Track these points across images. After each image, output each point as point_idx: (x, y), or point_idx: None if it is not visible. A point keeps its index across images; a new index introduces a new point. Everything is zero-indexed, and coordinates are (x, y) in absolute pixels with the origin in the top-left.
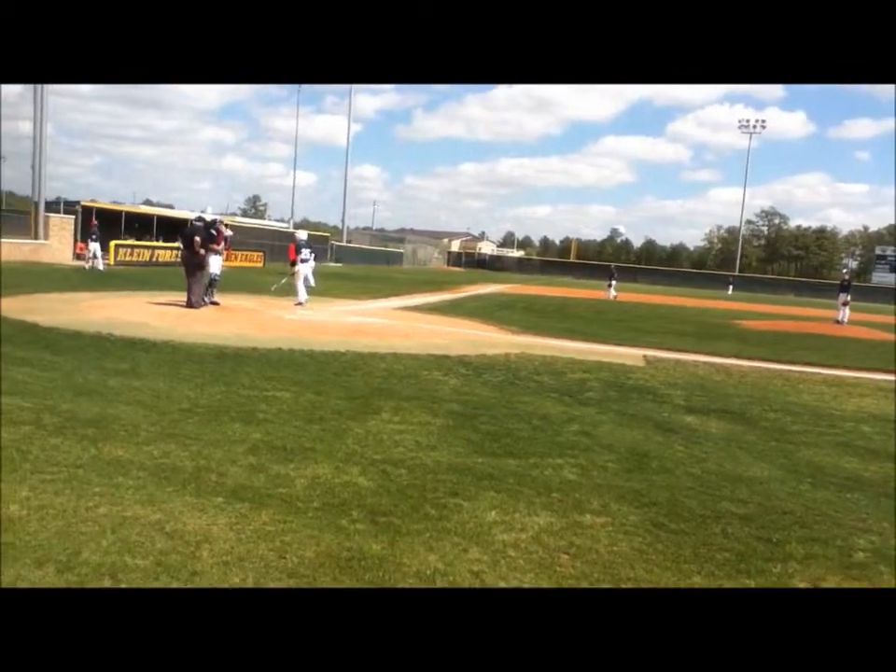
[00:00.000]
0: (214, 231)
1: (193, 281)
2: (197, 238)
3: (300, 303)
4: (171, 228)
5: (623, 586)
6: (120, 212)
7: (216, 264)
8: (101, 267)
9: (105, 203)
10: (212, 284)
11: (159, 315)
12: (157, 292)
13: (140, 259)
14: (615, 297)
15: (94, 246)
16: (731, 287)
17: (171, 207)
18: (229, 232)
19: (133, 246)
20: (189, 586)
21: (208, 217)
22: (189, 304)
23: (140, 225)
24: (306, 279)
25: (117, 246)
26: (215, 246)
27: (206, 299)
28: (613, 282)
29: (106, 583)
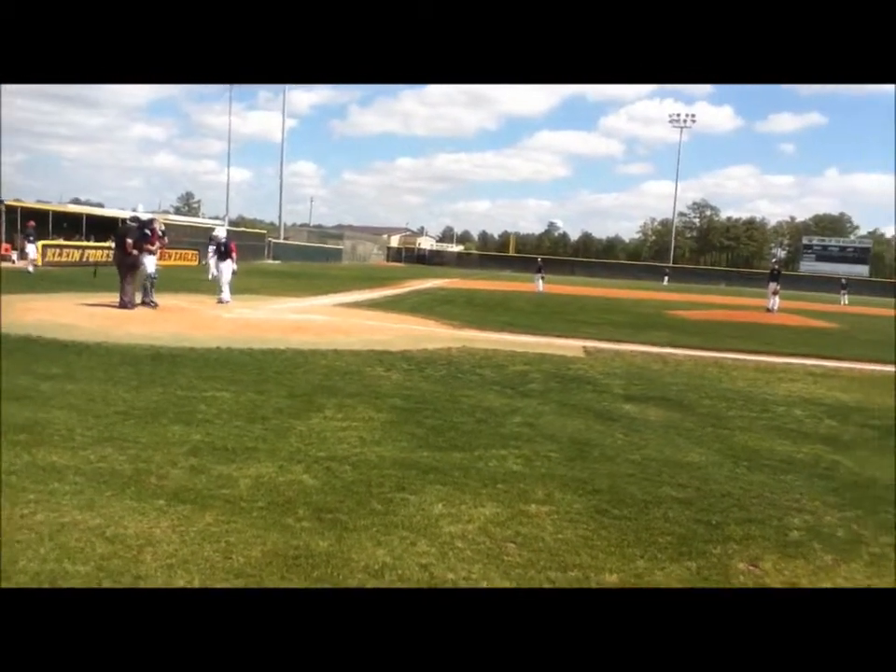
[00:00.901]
0: (148, 231)
1: (126, 282)
2: (129, 239)
3: (220, 301)
4: (101, 227)
5: (570, 573)
6: (47, 211)
7: (151, 264)
8: (31, 269)
9: (30, 203)
10: (150, 285)
11: (91, 317)
12: (88, 293)
13: (70, 260)
14: (543, 289)
15: (31, 248)
16: (666, 278)
17: (101, 206)
18: (162, 228)
19: (61, 247)
20: (134, 587)
21: (143, 217)
22: (122, 305)
23: (69, 224)
24: (224, 277)
25: (45, 247)
26: (149, 247)
27: (146, 300)
28: (541, 275)
29: None
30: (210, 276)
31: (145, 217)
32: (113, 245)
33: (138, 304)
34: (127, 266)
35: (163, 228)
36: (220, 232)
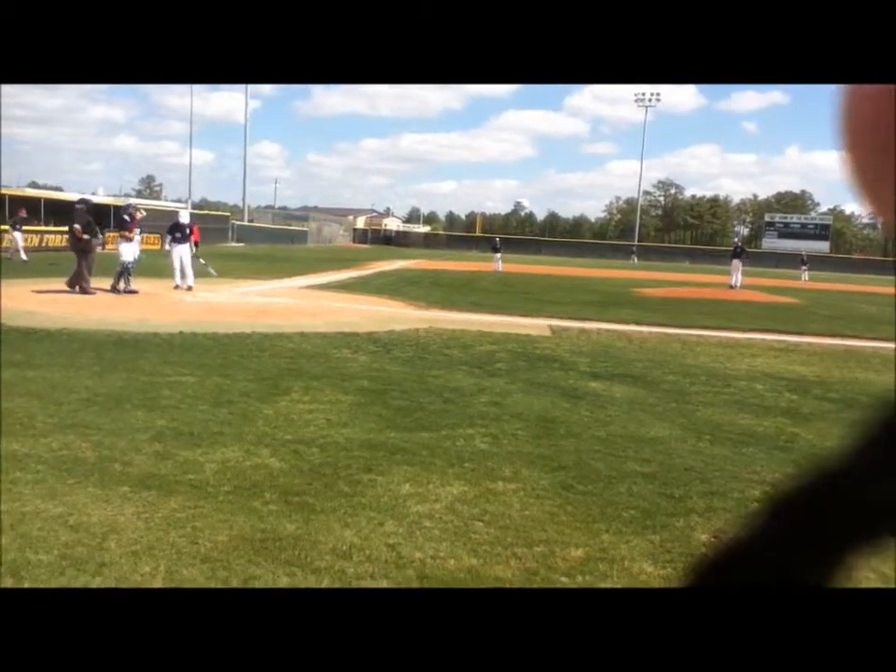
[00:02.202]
0: (127, 217)
1: (81, 267)
2: (77, 224)
3: (177, 286)
4: (61, 211)
5: (536, 549)
6: (3, 196)
7: (128, 252)
8: (24, 257)
9: None
10: (125, 272)
11: (51, 303)
12: (48, 279)
13: (28, 245)
14: (501, 268)
15: (18, 236)
16: (634, 256)
17: (59, 189)
18: (142, 213)
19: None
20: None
21: (99, 200)
22: (82, 290)
23: (27, 209)
24: (182, 262)
25: (2, 232)
26: (127, 234)
27: (121, 288)
28: (498, 254)
29: (8, 582)
30: (176, 264)
31: (121, 202)
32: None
33: (106, 291)
34: (79, 251)
35: (143, 213)
36: (184, 216)
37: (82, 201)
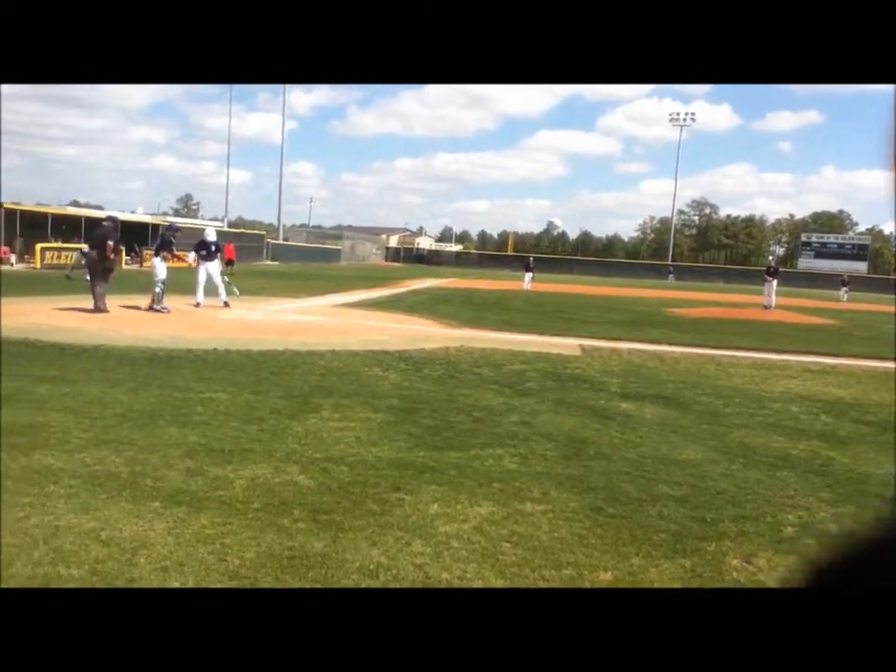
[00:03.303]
0: (173, 239)
1: (98, 286)
2: (110, 241)
3: (197, 304)
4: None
5: (565, 571)
6: (46, 214)
7: (163, 270)
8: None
9: (28, 205)
10: (158, 289)
11: (88, 319)
12: (86, 295)
13: (67, 262)
14: (530, 287)
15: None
16: (671, 276)
17: (100, 208)
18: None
19: (59, 249)
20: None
21: (132, 217)
22: (96, 309)
23: (67, 227)
24: (210, 279)
25: (43, 250)
26: (181, 255)
27: (156, 306)
28: (529, 273)
29: None
30: (201, 280)
31: (160, 220)
32: (87, 247)
33: (146, 310)
34: (104, 270)
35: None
36: (210, 234)
37: (109, 218)
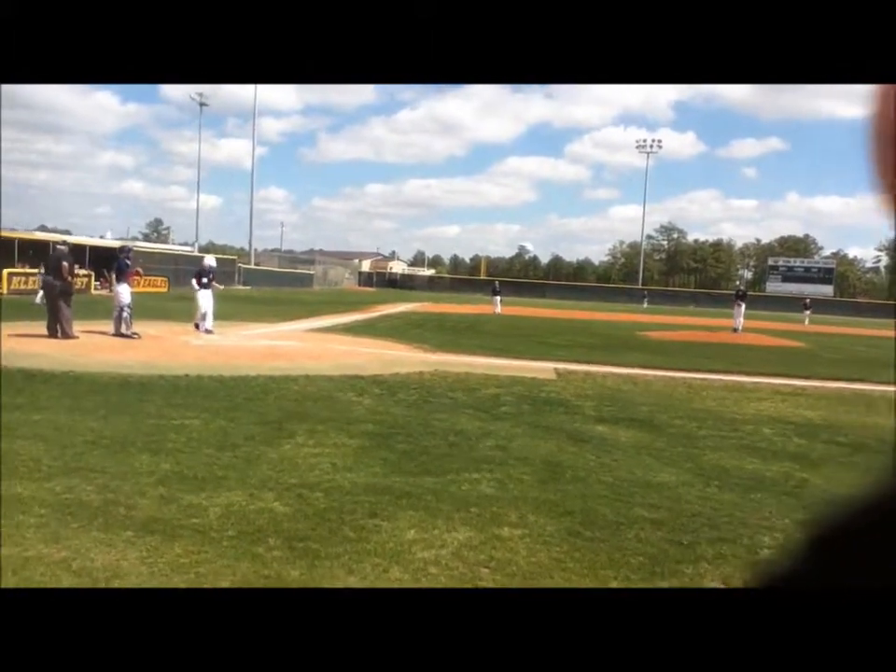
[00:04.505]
0: (128, 261)
1: (62, 309)
2: (65, 263)
3: (197, 325)
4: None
5: None
6: (13, 239)
7: (127, 294)
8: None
9: None
10: (129, 315)
11: (57, 345)
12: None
13: (35, 287)
14: (500, 310)
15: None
16: (646, 300)
17: (68, 233)
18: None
19: (26, 274)
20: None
21: (116, 244)
22: (62, 334)
23: (35, 252)
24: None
25: (10, 275)
26: (134, 277)
27: (122, 332)
28: (498, 297)
29: None
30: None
31: (117, 244)
32: (43, 271)
33: (111, 335)
34: (63, 293)
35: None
36: (209, 261)
37: (64, 242)
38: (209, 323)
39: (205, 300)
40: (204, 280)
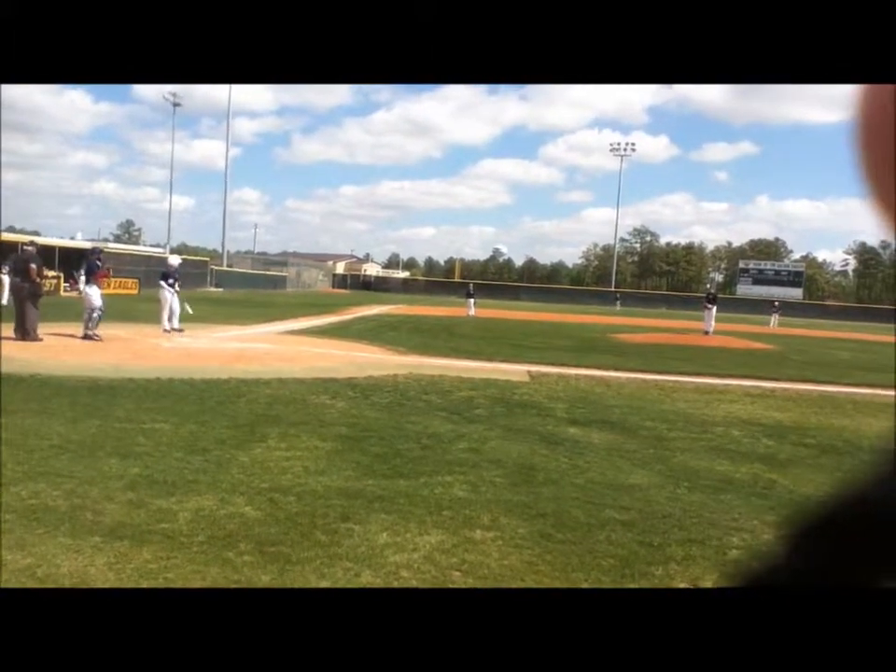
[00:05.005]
0: (98, 262)
1: (28, 311)
2: (32, 265)
3: (166, 330)
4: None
5: None
6: None
7: (97, 296)
8: (3, 301)
9: None
10: (97, 317)
11: (24, 347)
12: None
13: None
14: (474, 313)
15: (6, 280)
16: (618, 302)
17: (37, 234)
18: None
19: None
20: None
21: (86, 245)
22: (27, 336)
23: (2, 253)
24: (173, 305)
25: None
26: (103, 279)
27: (89, 333)
28: (472, 299)
29: None
30: (173, 306)
31: (88, 245)
32: (6, 271)
33: (80, 338)
34: (31, 294)
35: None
36: (173, 260)
37: (31, 243)
38: (176, 322)
39: (173, 299)
40: (170, 280)
